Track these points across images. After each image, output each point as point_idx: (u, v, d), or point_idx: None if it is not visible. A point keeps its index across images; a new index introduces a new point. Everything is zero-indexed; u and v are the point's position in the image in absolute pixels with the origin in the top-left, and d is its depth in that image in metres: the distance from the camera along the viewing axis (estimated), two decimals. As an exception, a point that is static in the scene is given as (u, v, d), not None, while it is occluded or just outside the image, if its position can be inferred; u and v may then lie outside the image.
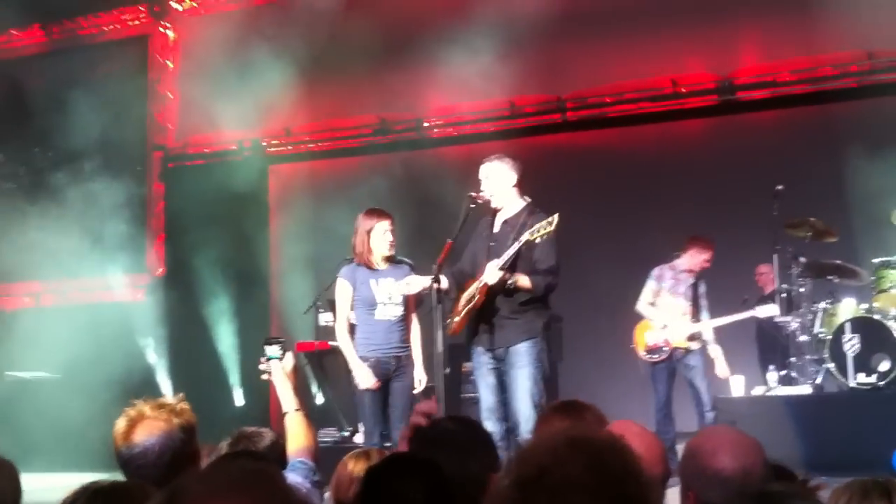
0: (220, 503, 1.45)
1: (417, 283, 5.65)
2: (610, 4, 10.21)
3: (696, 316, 7.79)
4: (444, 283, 5.53)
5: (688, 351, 7.70)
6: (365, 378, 5.75)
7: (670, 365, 7.73)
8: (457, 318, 5.53)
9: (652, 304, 7.87)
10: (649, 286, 7.89)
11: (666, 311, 7.79)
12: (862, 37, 9.58)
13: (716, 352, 7.76)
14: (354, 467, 3.06)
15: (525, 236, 5.38)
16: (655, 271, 7.92)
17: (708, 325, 7.78)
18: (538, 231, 5.35)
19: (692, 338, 7.72)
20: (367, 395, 5.74)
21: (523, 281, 5.38)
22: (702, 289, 7.89)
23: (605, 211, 9.64)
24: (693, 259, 7.85)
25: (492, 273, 5.32)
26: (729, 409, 7.59)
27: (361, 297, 5.85)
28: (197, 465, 2.64)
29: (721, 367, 7.75)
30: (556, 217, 5.39)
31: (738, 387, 7.89)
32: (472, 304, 5.47)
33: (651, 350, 7.79)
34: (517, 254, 5.44)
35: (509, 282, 5.34)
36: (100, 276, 11.77)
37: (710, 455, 2.25)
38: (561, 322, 8.92)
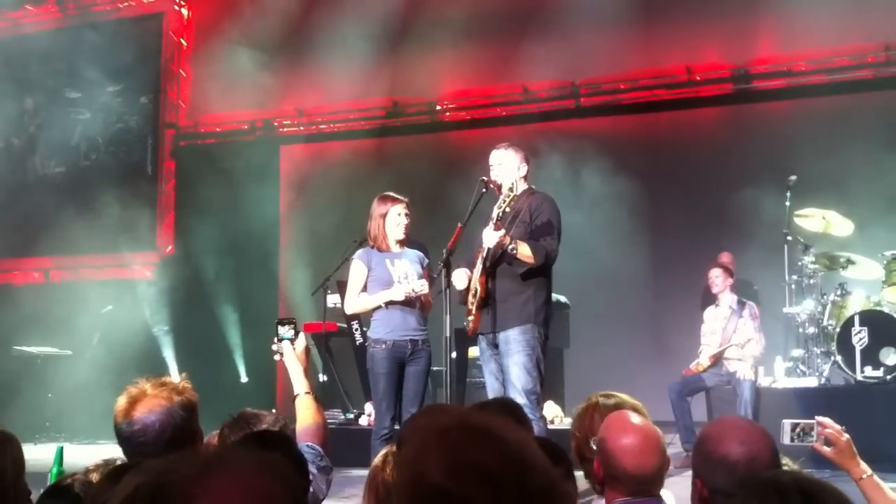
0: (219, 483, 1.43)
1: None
2: (626, -9, 10.15)
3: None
4: (460, 283, 5.51)
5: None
6: (402, 290, 5.74)
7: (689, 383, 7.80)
8: (470, 318, 5.50)
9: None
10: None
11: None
12: (879, 28, 9.52)
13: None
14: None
15: (494, 211, 5.33)
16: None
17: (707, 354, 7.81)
18: (504, 201, 5.32)
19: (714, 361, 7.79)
20: (382, 377, 5.73)
21: (523, 247, 5.28)
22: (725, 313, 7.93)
23: (617, 197, 9.61)
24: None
25: (489, 235, 5.26)
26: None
27: (378, 277, 5.83)
28: (198, 445, 2.63)
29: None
30: (515, 184, 5.35)
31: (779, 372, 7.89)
32: (477, 297, 5.44)
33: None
34: (510, 226, 5.38)
35: (510, 246, 5.25)
36: (109, 254, 11.82)
37: (717, 441, 2.25)
38: (569, 309, 8.91)
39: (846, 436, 2.85)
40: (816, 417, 2.90)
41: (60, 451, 2.92)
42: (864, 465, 2.82)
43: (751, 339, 7.59)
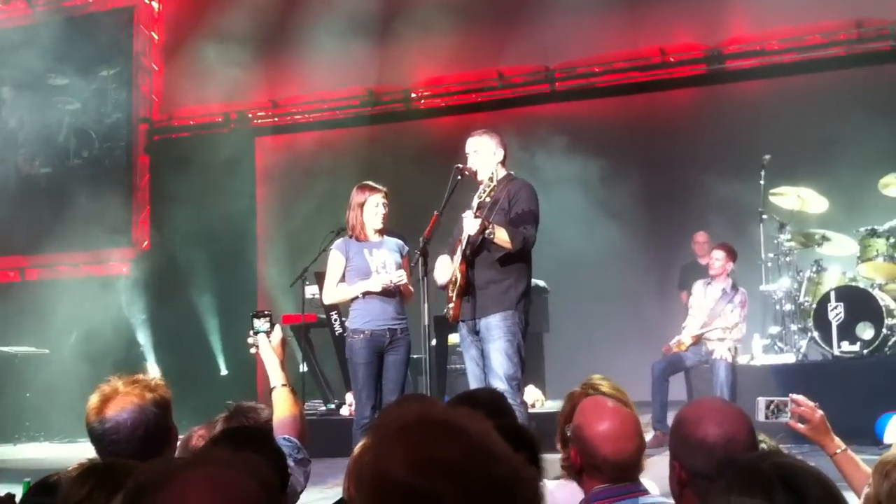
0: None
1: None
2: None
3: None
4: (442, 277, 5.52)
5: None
6: (379, 281, 5.74)
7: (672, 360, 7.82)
8: (451, 306, 5.50)
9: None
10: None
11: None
12: (850, 5, 9.56)
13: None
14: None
15: (475, 200, 5.33)
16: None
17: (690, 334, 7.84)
18: (485, 191, 5.32)
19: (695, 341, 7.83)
20: (362, 367, 5.73)
21: (500, 232, 5.29)
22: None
23: (593, 180, 9.62)
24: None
25: (470, 222, 5.26)
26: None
27: (356, 267, 5.82)
28: (172, 442, 2.62)
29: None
30: (494, 173, 5.37)
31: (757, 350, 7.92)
32: (457, 285, 5.45)
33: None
34: (490, 213, 5.39)
35: (487, 231, 5.24)
36: (85, 251, 11.74)
37: (695, 424, 2.24)
38: (548, 293, 8.93)
39: (819, 412, 2.87)
40: (790, 395, 2.93)
41: (28, 486, 2.90)
42: (837, 441, 2.84)
43: (737, 325, 7.64)
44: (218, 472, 1.35)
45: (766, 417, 2.91)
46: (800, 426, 2.87)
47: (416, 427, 1.37)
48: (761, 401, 2.95)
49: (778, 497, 1.74)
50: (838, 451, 2.82)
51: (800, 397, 2.91)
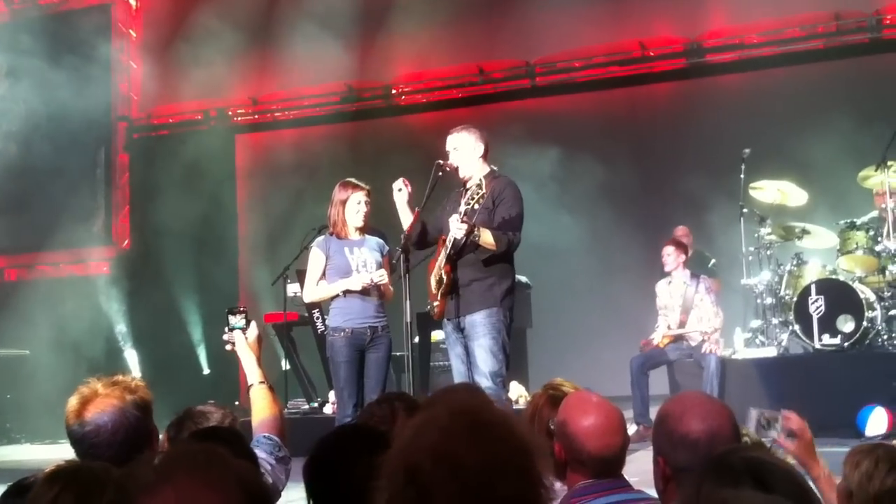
0: (169, 489, 1.45)
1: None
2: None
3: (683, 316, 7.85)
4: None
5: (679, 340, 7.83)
6: (360, 280, 5.72)
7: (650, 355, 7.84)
8: (436, 304, 5.51)
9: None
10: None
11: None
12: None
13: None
14: None
15: (462, 206, 5.32)
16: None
17: (667, 332, 7.85)
18: (473, 198, 5.30)
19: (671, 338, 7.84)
20: (343, 365, 5.71)
21: (486, 235, 5.31)
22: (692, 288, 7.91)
23: (574, 174, 9.63)
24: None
25: (456, 226, 5.26)
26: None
27: (336, 265, 5.80)
28: (153, 444, 2.59)
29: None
30: (482, 180, 5.35)
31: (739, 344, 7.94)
32: (442, 285, 5.44)
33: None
34: (474, 215, 5.38)
35: (474, 233, 5.25)
36: (65, 250, 11.64)
37: (678, 419, 2.23)
38: (530, 289, 8.93)
39: (809, 433, 2.86)
40: (783, 411, 2.91)
41: None
42: (822, 463, 2.83)
43: (717, 330, 7.65)
44: (188, 490, 1.36)
45: (757, 431, 2.90)
46: (788, 444, 2.85)
47: (467, 418, 1.37)
48: (754, 412, 2.94)
49: (746, 490, 1.73)
50: (822, 475, 2.81)
51: (792, 413, 2.90)
